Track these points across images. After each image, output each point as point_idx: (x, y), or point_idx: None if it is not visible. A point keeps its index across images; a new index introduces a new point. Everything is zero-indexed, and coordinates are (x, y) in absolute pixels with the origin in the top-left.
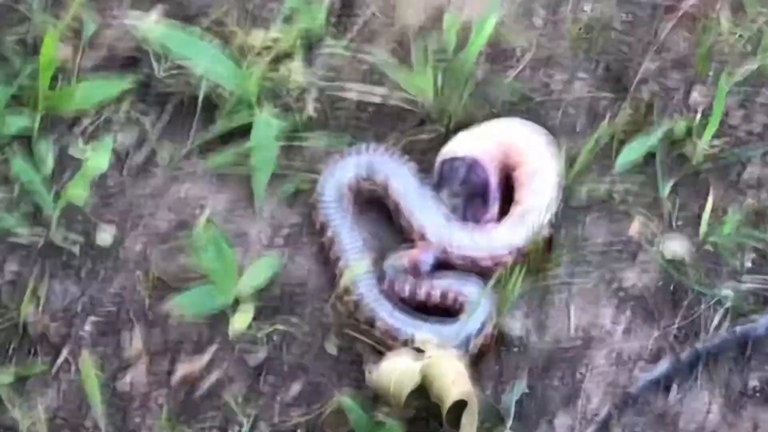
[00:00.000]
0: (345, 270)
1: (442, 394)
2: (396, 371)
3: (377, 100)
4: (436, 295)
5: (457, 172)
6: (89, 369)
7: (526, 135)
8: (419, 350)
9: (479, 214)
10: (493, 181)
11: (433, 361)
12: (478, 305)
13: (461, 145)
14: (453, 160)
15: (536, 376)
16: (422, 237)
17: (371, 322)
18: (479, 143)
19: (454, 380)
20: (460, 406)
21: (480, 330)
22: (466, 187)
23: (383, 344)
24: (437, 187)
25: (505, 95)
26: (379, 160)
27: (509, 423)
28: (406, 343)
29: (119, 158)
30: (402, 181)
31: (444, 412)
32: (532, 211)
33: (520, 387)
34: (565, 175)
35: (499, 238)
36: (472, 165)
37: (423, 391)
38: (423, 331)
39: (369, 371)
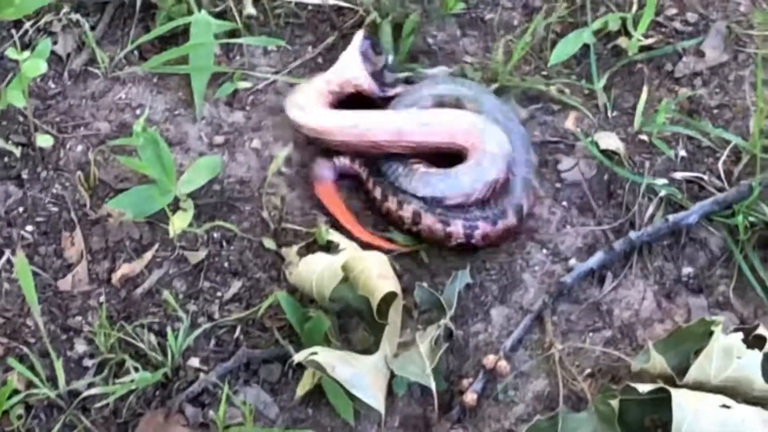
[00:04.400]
0: None
1: (369, 288)
2: (316, 270)
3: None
4: None
5: None
6: (25, 268)
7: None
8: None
9: None
10: None
11: (355, 256)
12: None
13: None
14: None
15: (476, 269)
16: None
17: None
18: None
19: (379, 274)
20: (389, 298)
21: None
22: None
23: None
24: None
25: None
26: None
27: (450, 313)
28: None
29: (60, 62)
30: None
31: (374, 305)
32: None
33: (464, 277)
34: (502, 70)
35: None
36: None
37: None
38: None
39: (289, 272)
